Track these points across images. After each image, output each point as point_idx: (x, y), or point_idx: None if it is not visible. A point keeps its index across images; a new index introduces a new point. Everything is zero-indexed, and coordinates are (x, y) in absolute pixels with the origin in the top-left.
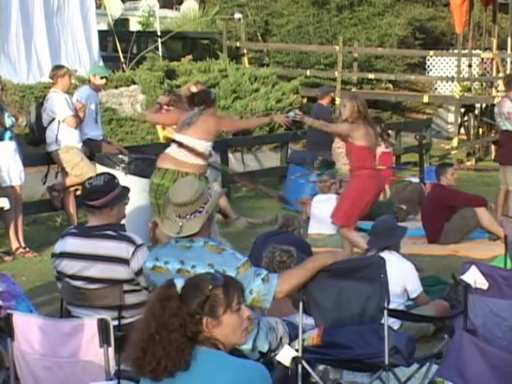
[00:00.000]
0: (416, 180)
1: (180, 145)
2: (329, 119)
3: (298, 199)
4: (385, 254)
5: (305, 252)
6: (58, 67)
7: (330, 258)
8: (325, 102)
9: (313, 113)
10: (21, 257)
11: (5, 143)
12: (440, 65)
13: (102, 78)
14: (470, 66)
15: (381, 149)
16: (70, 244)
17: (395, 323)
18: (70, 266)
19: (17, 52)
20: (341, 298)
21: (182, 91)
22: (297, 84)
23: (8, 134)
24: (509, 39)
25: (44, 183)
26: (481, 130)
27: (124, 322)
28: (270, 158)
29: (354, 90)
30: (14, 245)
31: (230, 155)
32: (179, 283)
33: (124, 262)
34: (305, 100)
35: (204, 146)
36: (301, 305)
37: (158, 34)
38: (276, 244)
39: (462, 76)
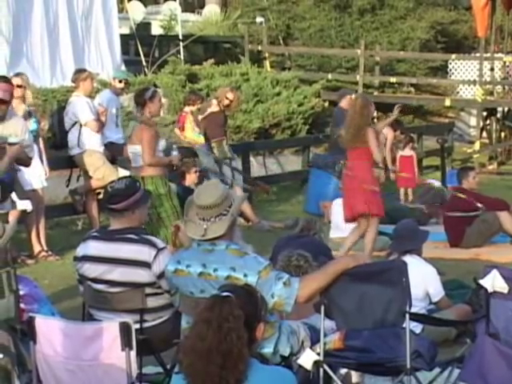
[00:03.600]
0: (438, 184)
1: None
2: None
3: (319, 203)
4: (407, 258)
5: (326, 256)
6: (80, 71)
7: (352, 262)
8: (345, 105)
9: (334, 117)
10: (43, 260)
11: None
12: (462, 68)
13: (120, 81)
14: (492, 69)
15: (401, 152)
16: (92, 247)
17: (417, 327)
18: (92, 270)
19: (41, 56)
20: (362, 302)
21: (217, 96)
22: (318, 88)
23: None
24: None
25: (67, 186)
26: (503, 134)
27: (146, 325)
28: (292, 162)
29: (375, 93)
30: (37, 248)
31: (252, 159)
32: (223, 293)
33: (146, 265)
34: (326, 104)
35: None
36: (322, 308)
37: (180, 37)
38: (296, 248)
39: (484, 79)
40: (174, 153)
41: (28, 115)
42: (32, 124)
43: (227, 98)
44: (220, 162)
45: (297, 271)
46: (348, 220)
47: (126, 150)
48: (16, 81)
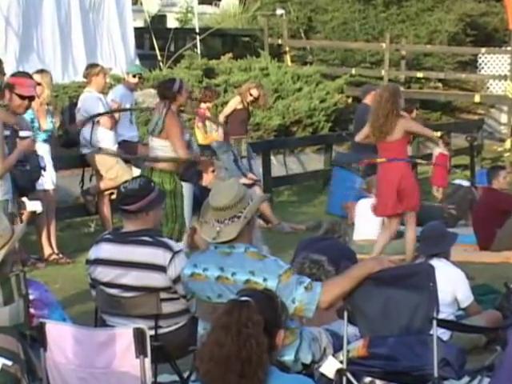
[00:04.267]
0: (467, 183)
1: None
2: None
3: (342, 204)
4: (434, 262)
5: (350, 259)
6: (92, 66)
7: (376, 266)
8: (369, 101)
9: (358, 114)
10: (54, 263)
11: (37, 145)
12: (492, 63)
13: (134, 76)
14: None
15: (439, 150)
16: (105, 250)
17: (445, 334)
18: (104, 273)
19: (52, 51)
20: (388, 308)
21: (241, 92)
22: (341, 83)
23: (43, 136)
24: None
25: (82, 187)
26: None
27: (161, 331)
28: (314, 161)
29: (401, 89)
30: (47, 251)
31: (272, 158)
32: (242, 298)
33: (161, 269)
34: (350, 100)
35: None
36: (345, 314)
37: (197, 30)
38: (318, 251)
39: None
40: (194, 147)
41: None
42: (48, 124)
43: (251, 95)
44: (239, 159)
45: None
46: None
47: (141, 148)
48: (36, 78)
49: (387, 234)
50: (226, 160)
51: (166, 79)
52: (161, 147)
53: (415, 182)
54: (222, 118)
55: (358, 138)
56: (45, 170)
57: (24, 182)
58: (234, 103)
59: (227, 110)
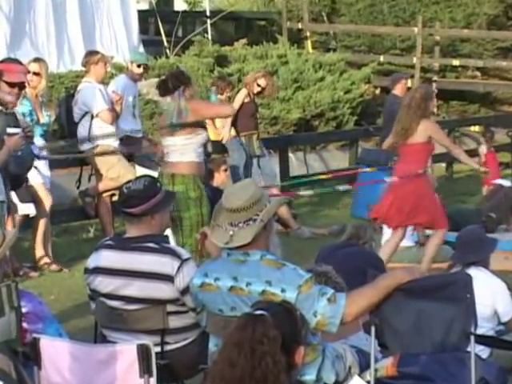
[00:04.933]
0: (508, 184)
1: None
2: None
3: (369, 206)
4: (471, 271)
5: (377, 268)
6: (91, 53)
7: (407, 275)
8: (398, 91)
9: (387, 106)
10: (48, 272)
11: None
12: None
13: (139, 65)
14: None
15: (484, 147)
16: (106, 258)
17: (484, 351)
18: (105, 284)
19: (46, 36)
20: (419, 322)
21: (247, 82)
22: (368, 72)
23: (39, 131)
24: None
25: (78, 188)
26: None
27: (168, 348)
28: (337, 158)
29: (435, 78)
30: (41, 259)
31: (291, 155)
32: (257, 311)
33: (168, 278)
34: (378, 90)
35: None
36: (373, 329)
37: (207, 14)
38: (338, 259)
39: None
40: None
41: (40, 108)
42: (44, 117)
43: (258, 85)
44: (252, 158)
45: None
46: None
47: (145, 143)
48: (33, 67)
49: (394, 242)
50: (238, 159)
51: (172, 71)
52: (183, 146)
53: (432, 196)
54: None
55: (385, 145)
56: (38, 158)
57: (15, 167)
58: (242, 96)
59: (236, 104)
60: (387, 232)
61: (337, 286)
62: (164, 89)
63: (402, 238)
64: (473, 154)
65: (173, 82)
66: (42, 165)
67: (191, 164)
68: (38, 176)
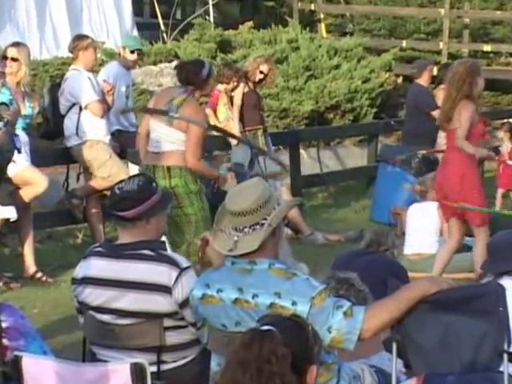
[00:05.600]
0: None
1: None
2: (432, 105)
3: (390, 209)
4: (504, 281)
5: (399, 278)
6: (79, 38)
7: (432, 286)
8: (424, 80)
9: (410, 97)
10: (31, 283)
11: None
12: None
13: (133, 51)
14: None
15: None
16: (95, 267)
17: None
18: (95, 296)
19: (26, 19)
20: (446, 338)
21: (247, 70)
22: (389, 58)
23: (21, 123)
24: None
25: (66, 189)
26: None
27: (164, 367)
28: (355, 155)
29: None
30: (33, 269)
31: (302, 151)
32: (264, 327)
33: (165, 289)
34: (400, 79)
35: None
36: (394, 346)
37: None
38: (355, 268)
39: None
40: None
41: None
42: (26, 109)
43: (261, 72)
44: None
45: None
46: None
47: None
48: (11, 52)
49: (449, 246)
50: (242, 157)
51: (192, 60)
52: (177, 139)
53: (477, 182)
54: (236, 111)
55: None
56: (19, 151)
57: None
58: (242, 87)
59: (238, 99)
60: (410, 238)
61: (360, 295)
62: (178, 74)
63: (459, 239)
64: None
65: (186, 77)
66: (21, 157)
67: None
68: (22, 160)
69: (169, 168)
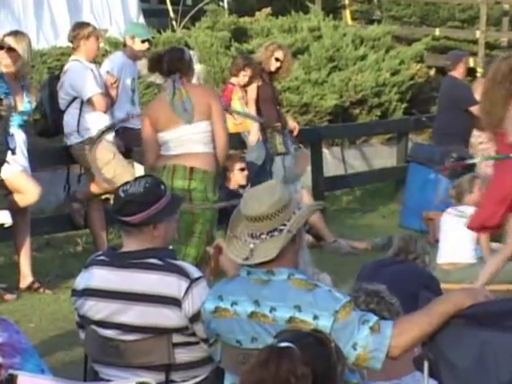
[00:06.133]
0: None
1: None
2: (470, 100)
3: (422, 213)
4: None
5: (431, 290)
6: (80, 26)
7: (468, 299)
8: (458, 73)
9: (443, 91)
10: (28, 295)
11: (12, 130)
12: None
13: (143, 41)
14: None
15: None
16: (98, 277)
17: None
18: (97, 309)
19: (22, 5)
20: (484, 356)
21: (261, 60)
22: (421, 48)
23: (17, 120)
24: None
25: (68, 192)
26: None
27: None
28: (383, 155)
29: (503, 56)
30: (21, 277)
31: (325, 150)
32: (282, 343)
33: (174, 302)
34: (432, 71)
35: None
36: (426, 365)
37: None
38: (381, 279)
39: None
40: None
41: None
42: (25, 104)
43: (277, 60)
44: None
45: None
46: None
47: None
48: (8, 42)
49: (501, 255)
50: (257, 156)
51: (167, 49)
52: (205, 134)
53: None
54: (252, 106)
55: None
56: (13, 152)
57: None
58: (255, 85)
59: (252, 93)
60: (444, 246)
61: (393, 309)
62: (155, 65)
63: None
64: None
65: (168, 66)
66: (17, 158)
67: (213, 157)
68: (15, 164)
69: (192, 169)
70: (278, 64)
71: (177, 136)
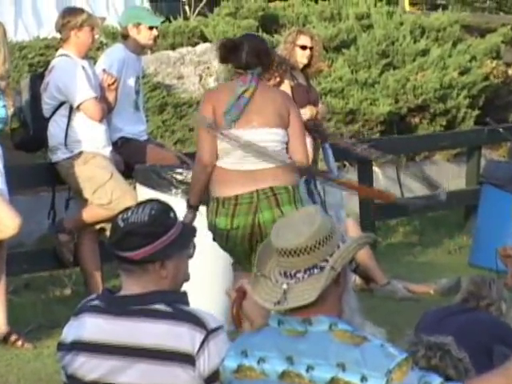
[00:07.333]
0: None
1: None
2: None
3: (498, 248)
4: None
5: (508, 344)
6: (71, 12)
7: None
8: None
9: None
10: (3, 349)
11: None
12: None
13: (151, 28)
14: None
15: None
16: (91, 327)
17: None
18: (90, 367)
19: None
20: None
21: (282, 50)
22: (497, 41)
23: None
24: None
25: (53, 220)
26: None
27: None
28: (449, 175)
29: None
30: (5, 330)
31: (376, 169)
32: None
33: (186, 359)
34: (511, 70)
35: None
36: None
37: None
38: (446, 331)
39: None
40: None
41: None
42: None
43: (303, 48)
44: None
45: None
46: None
47: (152, 151)
48: None
49: None
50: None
51: (252, 38)
52: (280, 141)
53: None
54: None
55: None
56: None
57: None
58: (287, 86)
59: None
60: None
61: (460, 366)
62: (229, 55)
63: None
64: None
65: (249, 57)
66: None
67: (291, 168)
68: None
69: (272, 190)
70: (308, 53)
71: (242, 144)
